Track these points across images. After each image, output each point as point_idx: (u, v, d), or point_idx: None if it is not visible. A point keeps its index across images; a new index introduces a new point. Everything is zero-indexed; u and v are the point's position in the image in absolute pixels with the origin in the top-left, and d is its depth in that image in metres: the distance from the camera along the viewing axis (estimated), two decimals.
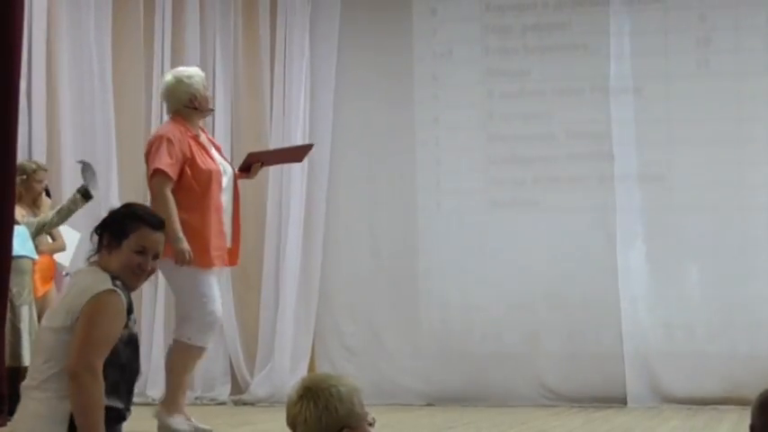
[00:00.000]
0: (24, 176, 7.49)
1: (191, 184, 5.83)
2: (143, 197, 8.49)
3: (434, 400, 8.46)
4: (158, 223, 3.74)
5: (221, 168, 6.00)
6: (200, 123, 6.19)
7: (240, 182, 6.24)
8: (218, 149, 6.14)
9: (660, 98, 8.47)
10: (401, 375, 8.61)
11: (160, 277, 6.80)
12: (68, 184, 8.24)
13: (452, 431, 6.72)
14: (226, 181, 6.02)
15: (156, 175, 5.78)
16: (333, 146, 8.73)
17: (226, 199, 6.01)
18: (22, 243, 6.95)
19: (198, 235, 5.81)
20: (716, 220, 8.30)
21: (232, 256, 6.12)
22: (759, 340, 8.08)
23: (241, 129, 8.78)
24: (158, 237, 3.72)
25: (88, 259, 3.75)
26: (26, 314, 7.03)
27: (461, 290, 8.62)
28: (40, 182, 7.62)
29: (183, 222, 5.75)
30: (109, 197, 8.34)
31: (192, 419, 5.93)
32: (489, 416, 7.47)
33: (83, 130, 8.42)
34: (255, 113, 8.80)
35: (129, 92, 8.69)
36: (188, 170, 5.83)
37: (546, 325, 8.46)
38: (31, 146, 8.06)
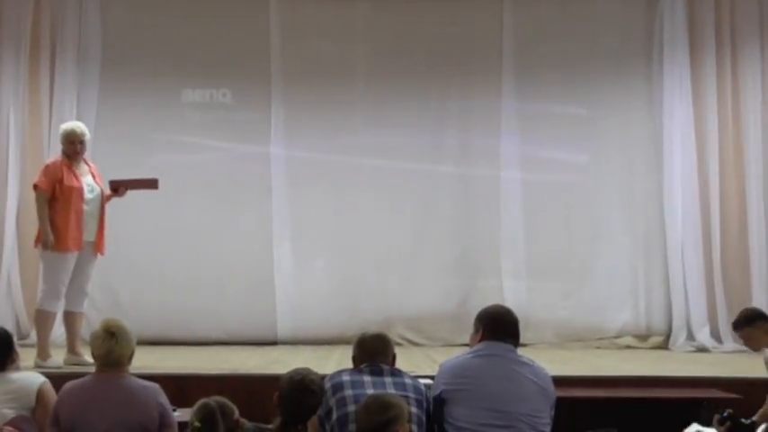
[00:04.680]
0: None
1: (58, 196, 8.01)
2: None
3: None
4: None
5: (86, 187, 8.10)
6: (84, 157, 8.18)
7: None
8: (93, 176, 8.19)
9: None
10: None
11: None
12: None
13: None
14: (91, 197, 8.14)
15: (35, 189, 8.07)
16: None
17: (90, 208, 8.11)
18: None
19: (59, 228, 7.96)
20: (336, 221, 10.67)
21: (98, 247, 8.17)
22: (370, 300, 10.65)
23: (27, 164, 10.66)
24: None
25: None
26: None
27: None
28: None
29: (51, 220, 7.94)
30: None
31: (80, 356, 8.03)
32: None
33: None
34: (37, 160, 10.36)
35: None
36: (57, 186, 8.00)
37: (210, 307, 10.53)
38: None
